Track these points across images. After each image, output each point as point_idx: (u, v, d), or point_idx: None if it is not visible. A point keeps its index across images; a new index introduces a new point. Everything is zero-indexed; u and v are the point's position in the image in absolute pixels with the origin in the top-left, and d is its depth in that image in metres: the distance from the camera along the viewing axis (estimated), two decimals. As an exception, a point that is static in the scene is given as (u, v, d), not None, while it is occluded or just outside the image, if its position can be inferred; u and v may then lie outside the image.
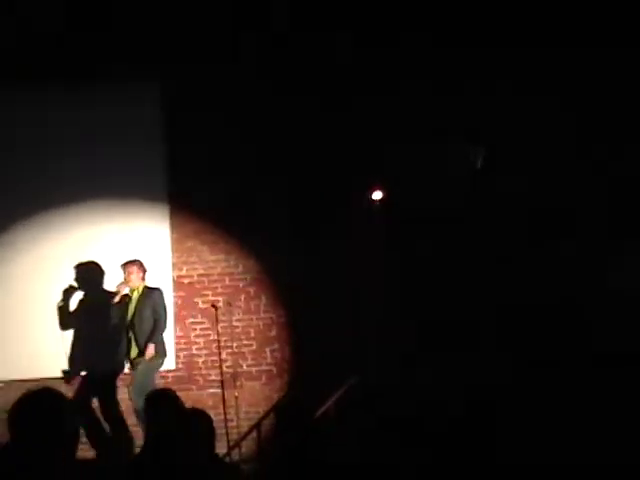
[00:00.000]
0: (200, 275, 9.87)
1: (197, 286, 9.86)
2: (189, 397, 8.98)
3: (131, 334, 8.97)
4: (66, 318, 9.43)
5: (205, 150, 9.76)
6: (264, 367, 9.78)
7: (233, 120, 9.80)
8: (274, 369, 9.78)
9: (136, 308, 8.97)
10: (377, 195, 9.57)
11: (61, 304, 9.44)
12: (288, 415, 4.78)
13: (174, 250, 9.85)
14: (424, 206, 9.43)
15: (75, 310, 9.50)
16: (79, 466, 3.28)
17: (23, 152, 9.73)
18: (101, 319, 9.18)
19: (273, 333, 9.81)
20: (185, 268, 9.86)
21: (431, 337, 9.09)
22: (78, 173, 9.66)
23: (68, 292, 9.50)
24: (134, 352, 8.93)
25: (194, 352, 9.79)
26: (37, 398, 3.25)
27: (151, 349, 8.79)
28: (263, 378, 9.76)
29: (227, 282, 9.87)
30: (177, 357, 9.76)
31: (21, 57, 9.51)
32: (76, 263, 9.54)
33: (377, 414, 7.79)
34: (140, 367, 8.78)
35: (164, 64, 9.73)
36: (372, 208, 9.58)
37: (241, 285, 9.86)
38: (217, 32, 9.69)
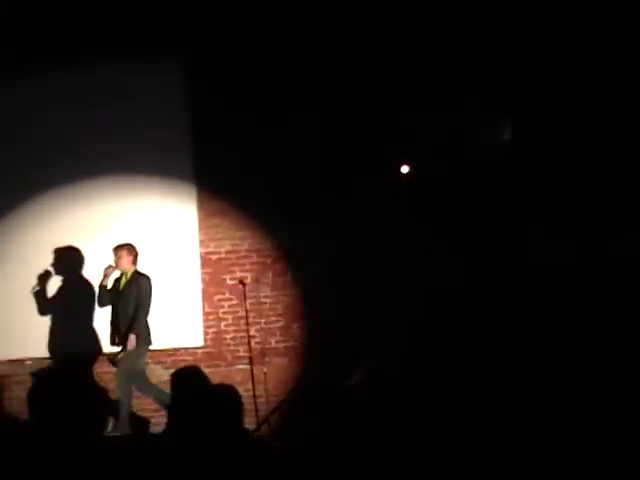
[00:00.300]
0: (228, 252, 9.85)
1: (224, 263, 9.84)
2: (218, 374, 9.00)
3: (114, 319, 8.94)
4: (43, 303, 9.46)
5: (232, 124, 9.68)
6: (292, 343, 9.77)
7: (260, 92, 9.69)
8: (301, 345, 9.77)
9: (121, 293, 8.91)
10: (405, 168, 9.50)
11: (37, 289, 9.43)
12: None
13: (201, 227, 9.83)
14: (451, 179, 9.36)
15: (55, 295, 9.54)
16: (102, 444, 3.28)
17: (52, 122, 9.68)
18: (83, 303, 9.33)
19: (300, 309, 9.79)
20: (212, 245, 9.85)
21: (458, 309, 9.04)
22: (102, 150, 9.63)
23: (44, 277, 9.49)
24: (115, 337, 8.89)
25: (222, 329, 9.79)
26: (53, 378, 3.26)
27: (132, 340, 8.73)
28: (291, 354, 9.74)
29: (255, 259, 9.84)
30: (205, 334, 9.77)
31: (48, 28, 9.45)
32: (55, 249, 9.52)
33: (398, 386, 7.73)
34: (125, 358, 8.74)
35: (189, 33, 9.63)
36: (400, 180, 9.51)
37: (268, 262, 9.83)
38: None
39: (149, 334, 8.92)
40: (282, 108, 9.69)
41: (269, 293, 9.79)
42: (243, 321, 9.49)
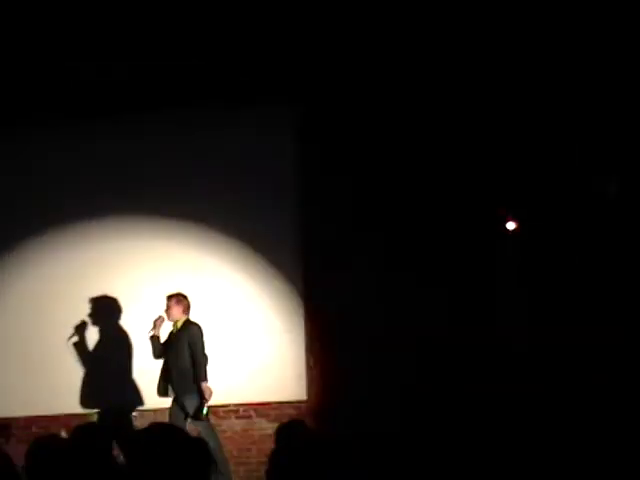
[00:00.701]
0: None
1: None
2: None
3: (165, 370, 8.83)
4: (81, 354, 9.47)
5: (339, 185, 9.69)
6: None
7: (370, 152, 9.73)
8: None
9: (172, 343, 8.83)
10: (511, 225, 9.43)
11: (75, 340, 9.40)
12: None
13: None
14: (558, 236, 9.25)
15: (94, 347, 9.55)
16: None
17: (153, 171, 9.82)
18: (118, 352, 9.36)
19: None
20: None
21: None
22: (213, 206, 9.77)
23: (81, 327, 9.47)
24: (166, 388, 8.76)
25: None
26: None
27: (207, 389, 8.60)
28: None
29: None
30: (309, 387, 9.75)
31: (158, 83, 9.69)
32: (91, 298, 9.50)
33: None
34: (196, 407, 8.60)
35: (301, 92, 9.75)
36: (506, 237, 9.43)
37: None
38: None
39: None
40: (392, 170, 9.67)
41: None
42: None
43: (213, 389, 8.66)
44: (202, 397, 8.55)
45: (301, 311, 9.76)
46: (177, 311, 8.79)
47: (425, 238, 9.50)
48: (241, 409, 9.59)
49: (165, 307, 8.82)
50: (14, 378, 9.35)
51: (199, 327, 8.80)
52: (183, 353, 8.69)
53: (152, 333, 8.88)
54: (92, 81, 9.41)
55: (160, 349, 8.86)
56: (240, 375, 9.48)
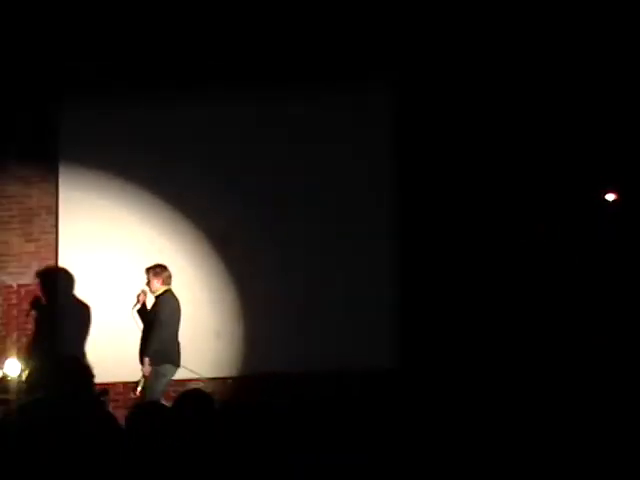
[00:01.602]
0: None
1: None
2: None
3: (141, 340, 8.85)
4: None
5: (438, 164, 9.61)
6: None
7: (465, 135, 9.63)
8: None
9: (149, 312, 8.90)
10: (610, 196, 9.23)
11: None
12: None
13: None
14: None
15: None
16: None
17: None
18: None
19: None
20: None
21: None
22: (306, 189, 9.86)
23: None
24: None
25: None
26: None
27: (145, 365, 8.61)
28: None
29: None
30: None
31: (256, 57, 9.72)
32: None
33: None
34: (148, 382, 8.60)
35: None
36: (606, 209, 9.24)
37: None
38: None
39: (171, 356, 8.76)
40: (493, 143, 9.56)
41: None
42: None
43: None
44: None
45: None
46: (157, 283, 8.84)
47: (521, 224, 9.39)
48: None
49: (145, 280, 8.88)
50: (112, 345, 9.53)
51: (169, 299, 8.83)
52: (150, 322, 8.76)
53: (137, 307, 8.95)
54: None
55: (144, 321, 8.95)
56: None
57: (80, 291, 9.84)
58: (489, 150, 9.56)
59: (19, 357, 8.53)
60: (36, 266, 10.09)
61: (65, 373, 3.24)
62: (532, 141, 9.48)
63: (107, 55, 9.68)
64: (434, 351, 9.33)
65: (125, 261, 9.73)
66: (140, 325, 8.91)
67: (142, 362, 8.63)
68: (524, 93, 9.49)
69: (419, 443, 4.93)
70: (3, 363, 8.31)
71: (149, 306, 8.97)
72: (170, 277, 8.88)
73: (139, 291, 8.94)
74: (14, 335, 9.47)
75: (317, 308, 9.72)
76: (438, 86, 9.63)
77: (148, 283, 8.87)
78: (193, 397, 4.17)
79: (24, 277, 10.09)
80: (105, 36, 9.61)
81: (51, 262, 10.08)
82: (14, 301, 10.09)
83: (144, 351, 8.66)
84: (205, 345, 9.70)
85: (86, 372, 3.42)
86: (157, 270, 8.86)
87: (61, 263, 10.01)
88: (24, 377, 8.34)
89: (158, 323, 8.66)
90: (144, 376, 8.61)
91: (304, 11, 9.52)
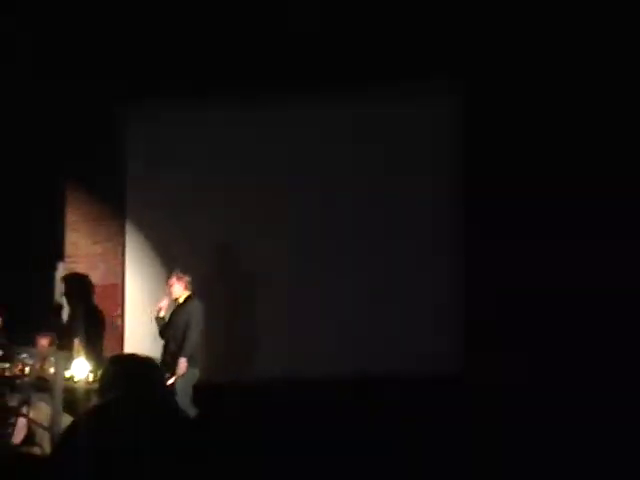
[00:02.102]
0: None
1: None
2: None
3: (165, 345, 8.92)
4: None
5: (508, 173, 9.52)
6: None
7: (533, 126, 9.50)
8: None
9: (172, 318, 8.95)
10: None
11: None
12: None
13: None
14: None
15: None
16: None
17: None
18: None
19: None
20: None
21: None
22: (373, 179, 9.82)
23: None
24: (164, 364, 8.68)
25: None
26: None
27: (182, 364, 8.68)
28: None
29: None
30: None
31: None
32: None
33: None
34: (177, 383, 8.60)
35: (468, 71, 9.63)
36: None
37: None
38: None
39: (197, 359, 8.83)
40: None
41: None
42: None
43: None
44: (173, 370, 8.61)
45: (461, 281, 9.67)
46: (179, 288, 8.96)
47: (589, 205, 9.25)
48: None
49: (167, 286, 8.99)
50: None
51: (199, 303, 8.94)
52: (180, 327, 8.82)
53: (158, 314, 9.01)
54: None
55: (163, 328, 8.98)
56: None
57: (144, 294, 9.95)
58: (561, 151, 9.42)
59: (87, 358, 8.63)
60: (103, 268, 10.21)
61: (139, 375, 3.26)
62: (606, 145, 9.32)
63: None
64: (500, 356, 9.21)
65: (193, 264, 9.81)
66: (160, 332, 8.99)
67: (172, 366, 8.65)
68: (593, 91, 9.35)
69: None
70: (70, 364, 8.41)
71: (165, 312, 9.01)
72: (191, 282, 9.00)
73: (160, 300, 9.03)
74: (82, 335, 9.59)
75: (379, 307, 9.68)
76: (507, 87, 9.51)
77: (169, 288, 8.98)
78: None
79: (92, 278, 10.23)
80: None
81: (118, 264, 10.21)
82: (82, 302, 10.23)
83: (178, 353, 8.72)
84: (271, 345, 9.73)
85: (159, 373, 3.44)
86: (180, 275, 8.98)
87: (128, 265, 10.13)
88: (91, 378, 8.46)
89: (191, 327, 8.79)
90: (176, 377, 8.64)
91: (372, 12, 9.52)
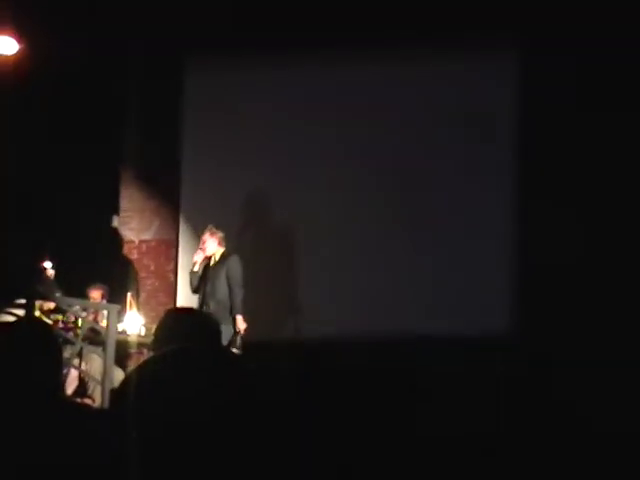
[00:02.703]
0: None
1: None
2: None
3: (202, 302, 8.70)
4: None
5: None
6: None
7: (593, 88, 9.25)
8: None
9: (210, 276, 8.72)
10: None
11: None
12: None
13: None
14: None
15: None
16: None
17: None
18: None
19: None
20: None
21: None
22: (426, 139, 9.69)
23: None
24: None
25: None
26: None
27: (240, 321, 8.50)
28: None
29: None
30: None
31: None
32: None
33: None
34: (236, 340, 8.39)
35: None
36: None
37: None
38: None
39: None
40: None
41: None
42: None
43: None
44: (235, 329, 8.48)
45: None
46: (212, 244, 8.76)
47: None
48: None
49: (201, 242, 8.80)
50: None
51: (238, 258, 8.77)
52: (220, 284, 8.65)
53: (192, 269, 8.85)
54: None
55: (197, 284, 8.82)
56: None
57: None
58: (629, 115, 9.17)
59: (139, 312, 8.65)
60: (158, 222, 10.21)
61: (196, 328, 3.21)
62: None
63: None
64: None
65: (241, 221, 9.74)
66: (193, 286, 8.86)
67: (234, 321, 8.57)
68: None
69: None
70: (123, 318, 8.43)
71: (199, 267, 8.83)
72: (224, 238, 8.84)
73: (196, 253, 8.85)
74: (135, 290, 9.60)
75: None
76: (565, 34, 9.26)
77: (203, 244, 8.78)
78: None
79: (146, 233, 10.23)
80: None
81: (172, 219, 10.21)
82: (135, 256, 10.25)
83: (233, 309, 8.59)
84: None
85: (215, 327, 3.39)
86: (213, 231, 8.83)
87: (182, 220, 10.12)
88: (144, 332, 8.47)
89: (236, 282, 8.63)
90: (240, 333, 8.54)
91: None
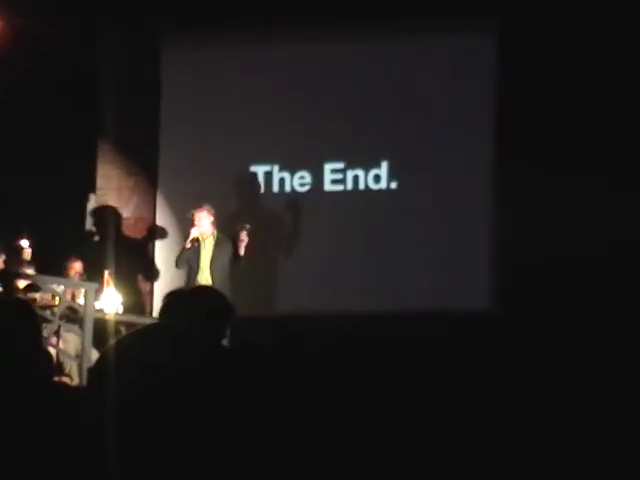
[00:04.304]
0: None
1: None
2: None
3: (209, 281, 8.64)
4: None
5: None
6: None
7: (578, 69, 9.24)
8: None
9: (213, 255, 8.74)
10: None
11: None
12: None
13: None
14: None
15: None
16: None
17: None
18: None
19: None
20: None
21: None
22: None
23: None
24: None
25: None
26: None
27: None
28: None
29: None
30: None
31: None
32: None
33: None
34: None
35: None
36: None
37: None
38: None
39: None
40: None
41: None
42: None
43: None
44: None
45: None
46: (208, 222, 8.78)
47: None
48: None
49: (196, 219, 8.75)
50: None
51: (228, 237, 8.81)
52: (227, 264, 8.71)
53: (186, 245, 8.81)
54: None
55: (185, 261, 8.82)
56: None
57: (176, 227, 9.88)
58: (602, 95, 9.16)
59: (117, 290, 8.59)
60: (135, 200, 10.17)
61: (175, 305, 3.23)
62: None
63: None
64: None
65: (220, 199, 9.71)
66: (181, 262, 8.84)
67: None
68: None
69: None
70: (100, 296, 8.37)
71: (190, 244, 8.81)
72: (216, 217, 8.86)
73: (192, 231, 8.79)
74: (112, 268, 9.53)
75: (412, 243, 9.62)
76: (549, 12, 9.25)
77: (199, 222, 8.76)
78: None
79: (123, 211, 10.19)
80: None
81: (150, 197, 10.16)
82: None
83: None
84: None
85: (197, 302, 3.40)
86: (209, 208, 8.81)
87: (159, 198, 10.08)
88: (121, 310, 8.43)
89: (232, 264, 8.68)
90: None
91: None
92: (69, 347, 8.24)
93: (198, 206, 8.84)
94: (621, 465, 3.84)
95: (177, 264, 8.92)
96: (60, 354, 8.17)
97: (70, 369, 8.17)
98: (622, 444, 3.94)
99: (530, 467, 3.66)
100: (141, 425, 2.89)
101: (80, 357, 7.62)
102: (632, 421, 4.17)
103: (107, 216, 10.10)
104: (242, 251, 8.72)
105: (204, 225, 8.81)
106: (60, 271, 8.80)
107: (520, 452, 3.72)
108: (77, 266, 8.91)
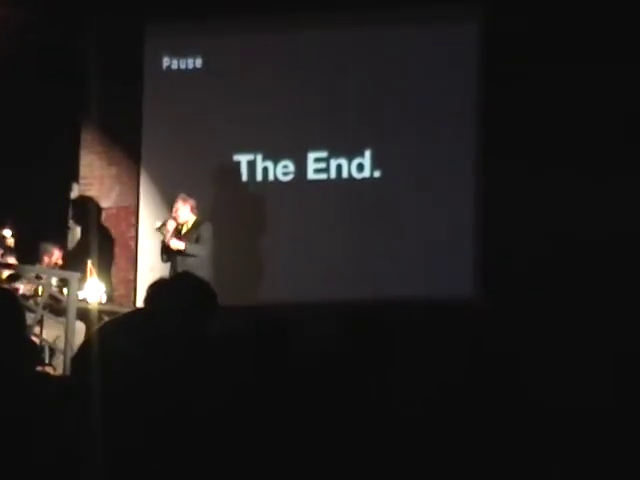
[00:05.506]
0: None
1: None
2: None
3: (174, 270, 8.59)
4: None
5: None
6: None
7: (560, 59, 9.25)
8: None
9: (188, 241, 8.67)
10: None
11: None
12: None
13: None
14: None
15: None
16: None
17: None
18: None
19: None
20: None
21: None
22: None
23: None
24: None
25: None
26: None
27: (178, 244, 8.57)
28: None
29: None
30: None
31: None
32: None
33: None
34: None
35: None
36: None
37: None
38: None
39: None
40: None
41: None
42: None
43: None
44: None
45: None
46: (185, 211, 8.74)
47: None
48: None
49: (173, 210, 8.75)
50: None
51: (210, 225, 8.78)
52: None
53: (167, 238, 8.71)
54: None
55: (167, 254, 8.76)
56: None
57: (159, 216, 9.84)
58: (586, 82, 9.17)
59: (100, 279, 8.57)
60: (118, 190, 10.14)
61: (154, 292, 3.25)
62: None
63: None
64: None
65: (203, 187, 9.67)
66: (164, 257, 8.78)
67: None
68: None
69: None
70: (83, 285, 8.35)
71: (170, 236, 8.70)
72: (196, 206, 8.82)
73: (167, 222, 8.73)
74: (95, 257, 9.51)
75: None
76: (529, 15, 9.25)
77: (176, 212, 8.72)
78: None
79: (106, 200, 10.16)
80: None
81: (133, 186, 10.13)
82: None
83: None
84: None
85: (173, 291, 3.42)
86: (185, 197, 8.78)
87: (142, 187, 10.05)
88: (104, 300, 8.41)
89: (202, 245, 8.63)
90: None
91: None
92: (53, 336, 8.22)
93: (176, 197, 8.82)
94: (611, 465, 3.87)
95: (162, 258, 8.87)
96: (44, 344, 8.15)
97: (53, 359, 8.15)
98: (613, 437, 3.97)
99: (513, 454, 3.68)
100: (124, 414, 2.90)
101: (64, 347, 7.59)
102: (622, 412, 4.21)
103: (89, 206, 10.06)
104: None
105: (183, 214, 8.77)
106: (39, 256, 8.74)
107: (502, 441, 3.75)
108: (57, 253, 8.85)
